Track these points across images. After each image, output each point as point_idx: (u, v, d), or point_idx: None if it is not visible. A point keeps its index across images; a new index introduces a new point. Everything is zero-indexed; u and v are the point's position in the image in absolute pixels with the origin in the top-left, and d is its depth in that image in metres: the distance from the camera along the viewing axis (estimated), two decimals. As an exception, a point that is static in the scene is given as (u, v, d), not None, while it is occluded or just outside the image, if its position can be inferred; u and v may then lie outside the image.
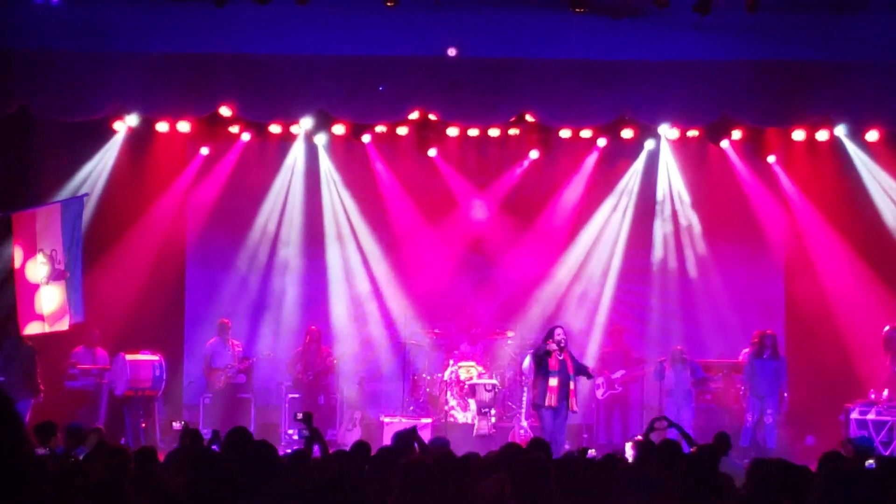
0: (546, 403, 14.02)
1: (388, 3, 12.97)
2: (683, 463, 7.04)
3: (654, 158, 17.71)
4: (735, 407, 16.16)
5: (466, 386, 16.40)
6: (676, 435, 10.22)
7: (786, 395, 15.76)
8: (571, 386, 14.23)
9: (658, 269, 18.03)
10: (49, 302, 14.90)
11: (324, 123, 16.87)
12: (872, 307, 16.50)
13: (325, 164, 17.84)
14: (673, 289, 17.97)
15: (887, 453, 14.08)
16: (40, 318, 14.90)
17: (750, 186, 17.56)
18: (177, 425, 11.40)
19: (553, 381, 14.04)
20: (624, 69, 15.35)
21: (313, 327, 17.00)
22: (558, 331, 14.39)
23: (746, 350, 16.02)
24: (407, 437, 9.31)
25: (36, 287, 14.94)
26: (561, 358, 14.15)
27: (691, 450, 8.77)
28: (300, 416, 9.21)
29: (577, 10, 13.21)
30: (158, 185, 17.31)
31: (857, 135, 16.52)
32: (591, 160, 17.72)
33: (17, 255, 15.05)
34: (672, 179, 17.79)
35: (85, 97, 15.11)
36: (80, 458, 8.93)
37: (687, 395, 16.06)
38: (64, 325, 15.02)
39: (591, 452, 9.40)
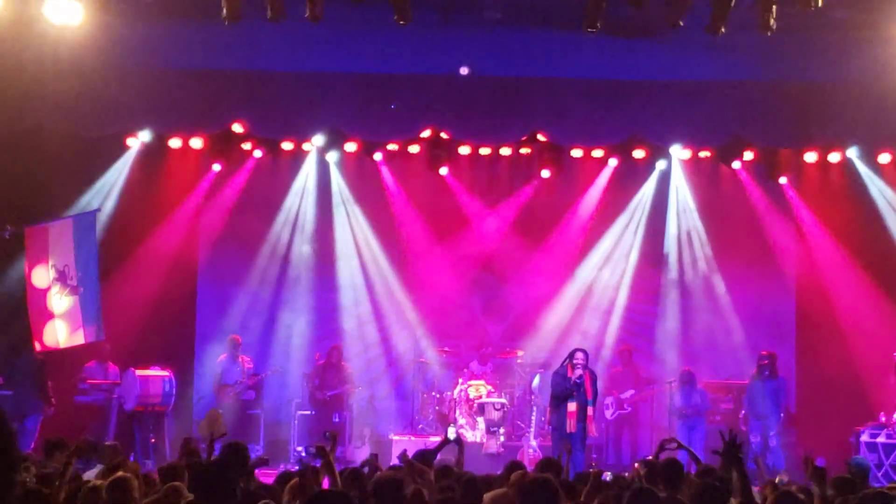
0: (567, 430, 13.93)
1: (401, 22, 12.97)
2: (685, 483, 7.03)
3: (665, 179, 17.72)
4: (745, 429, 16.11)
5: (475, 404, 16.33)
6: (686, 456, 10.18)
7: (782, 414, 15.81)
8: (590, 412, 14.15)
9: (668, 289, 18.00)
10: (59, 305, 14.94)
11: (336, 141, 16.92)
12: (884, 329, 16.43)
13: (337, 182, 17.87)
14: (683, 309, 17.92)
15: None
16: (52, 316, 14.92)
17: (761, 207, 17.54)
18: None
19: (571, 406, 13.97)
20: (636, 89, 15.37)
21: (338, 345, 17.03)
22: (578, 355, 14.28)
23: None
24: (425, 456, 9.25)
25: (46, 290, 14.97)
26: (580, 382, 14.10)
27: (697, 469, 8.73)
28: (327, 434, 9.17)
29: (589, 29, 13.18)
30: (171, 201, 17.32)
31: (869, 157, 16.51)
32: (603, 180, 17.71)
33: (27, 266, 15.11)
34: (683, 200, 17.78)
35: (98, 113, 15.16)
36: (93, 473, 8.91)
37: (697, 415, 16.03)
38: (79, 340, 15.04)
39: (607, 476, 9.31)
